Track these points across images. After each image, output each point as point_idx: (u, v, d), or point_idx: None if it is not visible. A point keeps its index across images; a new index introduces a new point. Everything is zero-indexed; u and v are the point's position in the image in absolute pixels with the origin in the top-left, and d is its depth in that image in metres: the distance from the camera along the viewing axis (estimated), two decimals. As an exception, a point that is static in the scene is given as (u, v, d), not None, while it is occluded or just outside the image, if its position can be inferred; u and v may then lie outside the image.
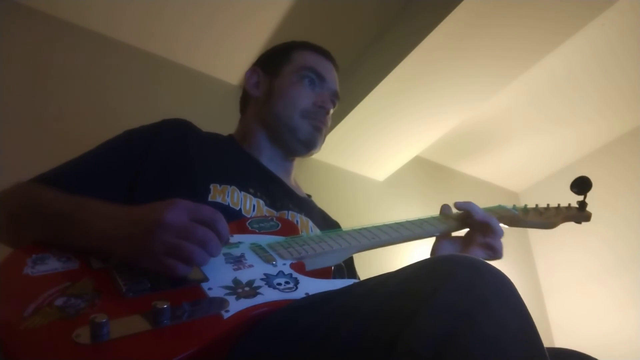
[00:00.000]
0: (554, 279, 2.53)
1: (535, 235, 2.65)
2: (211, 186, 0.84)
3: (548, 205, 1.13)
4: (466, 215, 0.92)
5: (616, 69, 2.02)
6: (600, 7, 1.50)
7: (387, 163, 2.15)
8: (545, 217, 1.08)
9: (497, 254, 0.89)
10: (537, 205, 1.11)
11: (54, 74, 1.55)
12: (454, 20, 1.48)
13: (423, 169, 2.43)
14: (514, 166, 2.61)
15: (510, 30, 1.55)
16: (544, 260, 2.60)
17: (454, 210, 0.97)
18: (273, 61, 1.10)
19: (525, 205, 1.11)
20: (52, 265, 0.59)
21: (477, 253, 0.89)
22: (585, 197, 1.09)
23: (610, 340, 2.11)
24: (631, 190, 2.26)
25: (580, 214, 1.11)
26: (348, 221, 1.97)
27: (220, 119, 1.70)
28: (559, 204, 1.13)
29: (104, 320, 0.47)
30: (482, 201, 2.90)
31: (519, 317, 0.42)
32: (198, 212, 0.60)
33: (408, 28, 1.67)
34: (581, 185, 1.07)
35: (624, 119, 2.32)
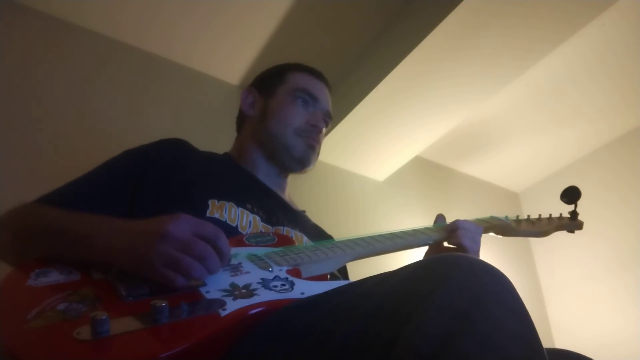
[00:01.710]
0: (554, 279, 2.53)
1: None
2: (209, 202, 0.86)
3: (540, 215, 1.16)
4: (452, 231, 0.96)
5: (616, 69, 2.02)
6: (600, 7, 1.50)
7: (387, 163, 2.15)
8: (538, 227, 1.12)
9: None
10: (528, 215, 1.14)
11: (51, 73, 1.55)
12: (454, 20, 1.48)
13: (423, 169, 2.43)
14: (514, 166, 2.61)
15: (510, 30, 1.55)
16: (544, 260, 2.60)
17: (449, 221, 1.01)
18: (268, 82, 1.14)
19: (517, 216, 1.14)
20: (54, 277, 0.61)
21: None
22: (576, 207, 1.12)
23: (611, 341, 2.11)
24: (631, 190, 2.26)
25: (572, 223, 1.14)
26: (348, 221, 1.97)
27: (219, 119, 1.71)
28: (550, 214, 1.16)
29: (104, 317, 0.49)
30: (482, 201, 2.89)
31: (517, 316, 0.42)
32: (201, 228, 0.62)
33: (408, 27, 1.67)
34: (571, 194, 1.10)
35: (624, 119, 2.32)
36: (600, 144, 2.47)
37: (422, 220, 2.21)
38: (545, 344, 0.44)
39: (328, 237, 1.14)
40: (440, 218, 1.03)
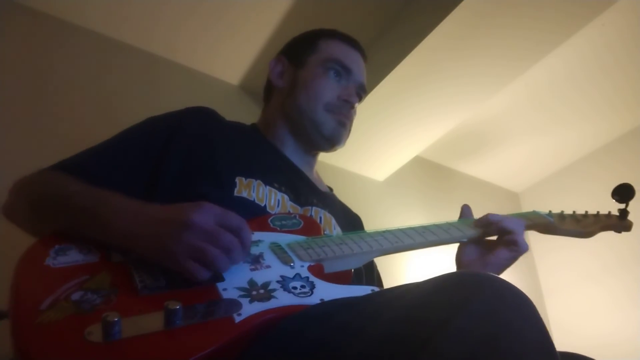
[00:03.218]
0: (554, 279, 2.53)
1: (536, 233, 2.64)
2: (237, 179, 0.82)
3: (586, 212, 1.05)
4: (487, 225, 0.90)
5: (616, 69, 2.03)
6: (600, 7, 1.50)
7: (387, 163, 2.15)
8: (583, 226, 1.01)
9: (521, 247, 0.88)
10: (574, 211, 1.04)
11: (54, 75, 1.54)
12: (453, 20, 1.48)
13: (423, 169, 2.43)
14: (514, 166, 2.61)
15: (510, 30, 1.55)
16: (544, 260, 2.60)
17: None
18: (299, 50, 1.07)
19: (562, 211, 1.03)
20: (73, 257, 0.59)
21: (502, 253, 0.87)
22: (627, 205, 1.02)
23: (611, 341, 2.11)
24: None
25: (620, 223, 1.04)
26: (348, 221, 1.96)
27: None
28: (598, 212, 1.06)
29: (116, 320, 0.47)
30: (482, 201, 2.88)
31: (541, 337, 0.42)
32: (225, 218, 0.60)
33: (408, 28, 1.67)
34: (624, 192, 1.00)
35: (624, 119, 2.33)
36: (600, 144, 2.47)
37: (422, 220, 2.22)
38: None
39: (355, 217, 1.10)
40: (466, 209, 0.95)
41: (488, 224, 0.89)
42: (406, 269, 2.01)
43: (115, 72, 1.68)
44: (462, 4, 1.42)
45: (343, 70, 1.02)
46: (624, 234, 2.22)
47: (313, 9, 1.70)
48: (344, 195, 2.06)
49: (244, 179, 0.83)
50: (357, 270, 0.86)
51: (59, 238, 0.62)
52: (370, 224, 2.06)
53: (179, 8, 1.65)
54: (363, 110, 1.87)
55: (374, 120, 1.90)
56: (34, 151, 1.39)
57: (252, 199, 0.81)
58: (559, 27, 1.56)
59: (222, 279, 0.59)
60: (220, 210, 0.60)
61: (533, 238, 2.66)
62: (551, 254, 2.55)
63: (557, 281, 2.50)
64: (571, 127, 2.36)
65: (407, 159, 2.14)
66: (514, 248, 0.87)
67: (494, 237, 0.92)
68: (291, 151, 1.01)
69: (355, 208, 2.05)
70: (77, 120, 1.52)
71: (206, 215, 0.59)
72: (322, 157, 2.04)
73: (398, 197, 2.26)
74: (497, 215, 0.90)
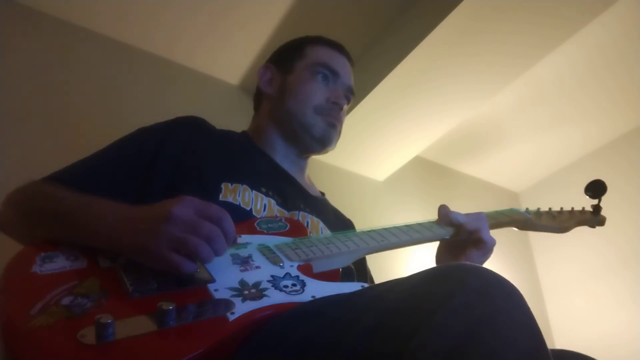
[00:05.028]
0: (554, 278, 2.52)
1: (537, 233, 2.64)
2: (222, 185, 0.83)
3: (561, 208, 1.10)
4: (450, 225, 0.91)
5: (617, 69, 2.02)
6: (601, 7, 1.50)
7: (387, 163, 2.15)
8: (559, 221, 1.06)
9: (488, 243, 0.89)
10: (550, 208, 1.09)
11: (53, 75, 1.54)
12: (453, 20, 1.48)
13: (423, 169, 2.43)
14: (514, 166, 2.61)
15: (511, 29, 1.55)
16: (544, 259, 2.60)
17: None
18: (286, 57, 1.09)
19: (538, 208, 1.08)
20: (60, 263, 0.59)
21: (473, 253, 0.90)
22: (599, 201, 1.07)
23: (612, 341, 2.10)
24: (633, 188, 2.25)
25: (594, 218, 1.09)
26: (348, 221, 1.96)
27: (219, 119, 1.70)
28: (572, 208, 1.11)
29: (110, 321, 0.47)
30: (482, 201, 2.87)
31: (528, 330, 0.41)
32: (205, 209, 0.60)
33: (408, 28, 1.67)
34: (596, 188, 1.05)
35: (625, 118, 2.32)
36: (601, 143, 2.47)
37: (422, 220, 2.21)
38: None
39: (347, 222, 1.11)
40: (444, 209, 0.95)
41: (451, 224, 0.90)
42: (406, 267, 2.01)
43: (115, 72, 1.68)
44: (462, 4, 1.42)
45: (330, 74, 1.04)
46: (626, 232, 2.23)
47: (313, 10, 1.70)
48: (343, 195, 2.07)
49: (230, 184, 0.84)
50: (348, 268, 0.87)
51: (44, 246, 0.62)
52: (370, 224, 2.05)
53: (179, 8, 1.65)
54: (363, 110, 1.88)
55: (374, 120, 1.90)
56: (34, 152, 1.39)
57: (238, 203, 0.82)
58: (560, 25, 1.55)
59: (212, 280, 0.60)
60: (199, 201, 0.61)
61: (532, 236, 2.66)
62: (551, 253, 2.55)
63: (556, 280, 2.50)
64: (572, 127, 2.35)
65: (407, 159, 2.14)
66: (482, 246, 0.89)
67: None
68: (282, 156, 1.02)
69: (355, 208, 2.06)
70: (77, 120, 1.52)
71: (185, 207, 0.59)
72: (322, 156, 2.05)
73: (398, 197, 2.26)
74: (459, 214, 0.91)
